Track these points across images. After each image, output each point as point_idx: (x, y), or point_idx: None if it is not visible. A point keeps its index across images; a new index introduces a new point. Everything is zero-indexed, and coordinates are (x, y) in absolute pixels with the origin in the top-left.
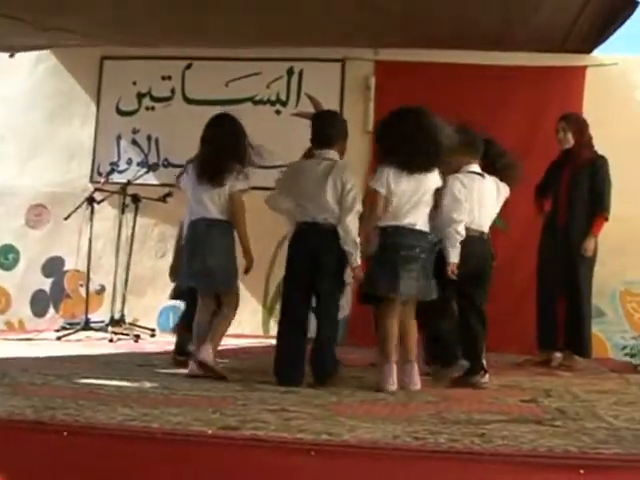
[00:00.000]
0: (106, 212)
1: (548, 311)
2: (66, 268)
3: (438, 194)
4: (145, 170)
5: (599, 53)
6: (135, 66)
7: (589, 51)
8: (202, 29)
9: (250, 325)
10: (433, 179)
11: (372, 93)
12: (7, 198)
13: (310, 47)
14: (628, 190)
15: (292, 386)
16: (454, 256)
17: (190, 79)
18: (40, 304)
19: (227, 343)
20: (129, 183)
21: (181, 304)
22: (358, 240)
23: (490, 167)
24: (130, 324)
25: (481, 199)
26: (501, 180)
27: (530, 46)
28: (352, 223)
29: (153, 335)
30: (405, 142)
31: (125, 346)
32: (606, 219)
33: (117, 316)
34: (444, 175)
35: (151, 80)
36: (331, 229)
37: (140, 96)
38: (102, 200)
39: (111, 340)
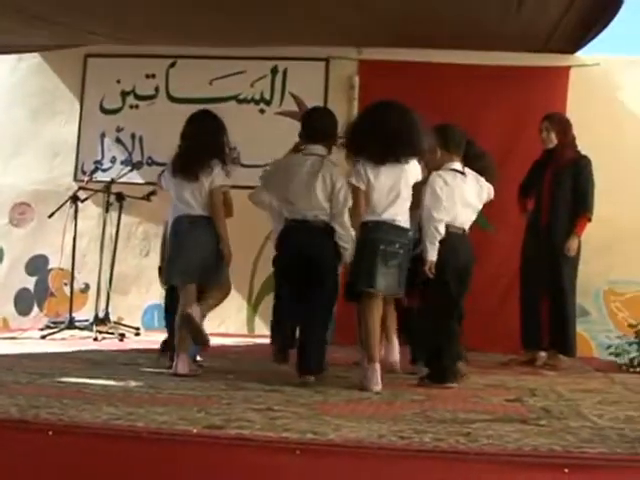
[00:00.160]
0: (90, 210)
1: (532, 311)
2: (50, 266)
3: (419, 191)
4: (129, 168)
5: (582, 54)
6: (119, 64)
7: (573, 51)
8: (187, 27)
9: (234, 324)
10: (411, 171)
11: (356, 92)
12: None
13: (294, 46)
14: (612, 190)
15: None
16: (432, 254)
17: (174, 77)
18: (24, 303)
19: (211, 342)
20: (113, 181)
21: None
22: (353, 235)
23: (469, 167)
24: (115, 323)
25: (463, 197)
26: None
27: (514, 46)
28: (347, 219)
29: (138, 334)
30: (374, 133)
31: (110, 345)
32: (589, 219)
33: (102, 315)
34: (428, 173)
35: (135, 78)
36: (322, 226)
37: (124, 94)
38: (86, 198)
39: (96, 339)
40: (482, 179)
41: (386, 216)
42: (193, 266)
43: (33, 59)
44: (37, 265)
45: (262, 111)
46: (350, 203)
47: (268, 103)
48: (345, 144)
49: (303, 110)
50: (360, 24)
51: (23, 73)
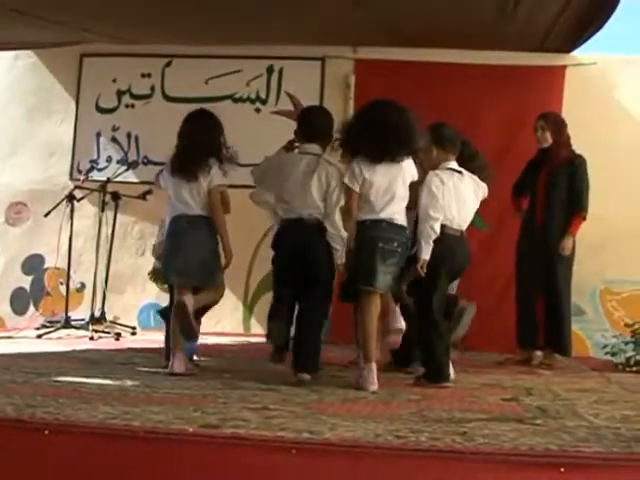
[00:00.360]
0: (86, 210)
1: (527, 310)
2: (46, 266)
3: (416, 191)
4: (125, 168)
5: (578, 53)
6: (115, 63)
7: (569, 51)
8: (182, 26)
9: (230, 323)
10: (407, 170)
11: (352, 91)
12: None
13: (290, 45)
14: (608, 189)
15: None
16: (426, 253)
17: (170, 76)
18: (20, 302)
19: (208, 341)
20: (109, 181)
21: (162, 302)
22: (345, 235)
23: (464, 168)
24: (111, 322)
25: (459, 197)
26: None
27: (510, 45)
28: (339, 219)
29: (134, 333)
30: (371, 132)
31: (106, 344)
32: (584, 218)
33: (97, 314)
34: (424, 172)
35: (131, 77)
36: (317, 224)
37: (120, 93)
38: (82, 198)
39: (92, 338)
40: (478, 179)
41: (384, 215)
42: (191, 266)
43: (29, 58)
44: (33, 264)
45: (258, 110)
46: (342, 203)
47: (264, 102)
48: (341, 143)
49: (299, 109)
50: (356, 23)
51: (19, 72)
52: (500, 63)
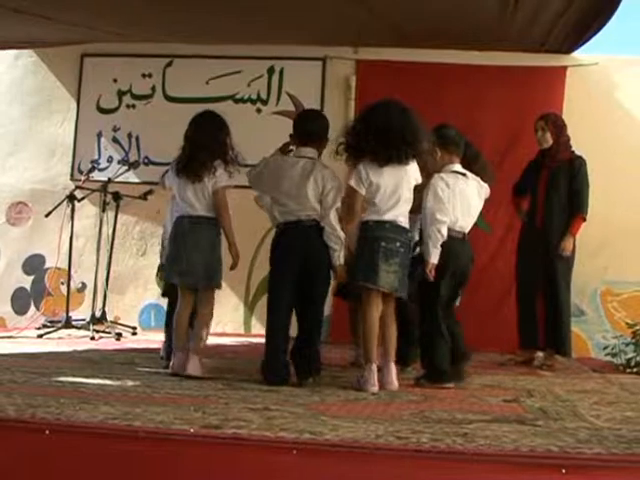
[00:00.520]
0: (87, 210)
1: (528, 310)
2: (47, 266)
3: (420, 194)
4: (126, 168)
5: (579, 53)
6: (115, 63)
7: (570, 51)
8: (184, 25)
9: (232, 323)
10: (412, 173)
11: (353, 92)
12: None
13: (291, 45)
14: (609, 190)
15: (279, 385)
16: (435, 257)
17: (171, 77)
18: (21, 302)
19: (209, 342)
20: (110, 181)
21: (163, 303)
22: (342, 236)
23: (467, 169)
24: (112, 322)
25: (464, 200)
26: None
27: (511, 46)
28: (335, 219)
29: (135, 333)
30: (378, 135)
31: (107, 344)
32: (584, 219)
33: (98, 314)
34: (427, 174)
35: (132, 77)
36: (314, 226)
37: (121, 93)
38: (83, 198)
39: (93, 338)
40: (481, 181)
41: (388, 216)
42: (193, 267)
43: (30, 58)
44: (34, 264)
45: (259, 111)
46: (338, 204)
47: (265, 103)
48: (345, 147)
49: (300, 110)
50: (357, 24)
51: (20, 72)
52: (501, 64)
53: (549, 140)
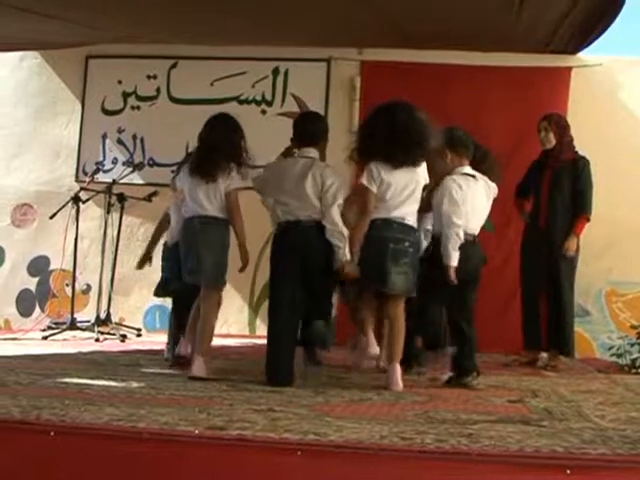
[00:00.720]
0: (92, 211)
1: (532, 311)
2: (52, 267)
3: (430, 195)
4: (130, 169)
5: (584, 54)
6: (120, 65)
7: (574, 52)
8: (189, 26)
9: (237, 325)
10: (422, 173)
11: (357, 93)
12: None
13: (296, 47)
14: (614, 190)
15: (282, 386)
16: (454, 259)
17: (175, 78)
18: (26, 304)
19: (214, 343)
20: (114, 182)
21: (167, 304)
22: (345, 232)
23: (477, 169)
24: (116, 324)
25: (474, 202)
26: (489, 179)
27: (516, 47)
28: (336, 216)
29: (139, 335)
30: (393, 138)
31: (111, 346)
32: (588, 219)
33: (103, 316)
34: (437, 175)
35: (136, 79)
36: (315, 225)
37: (125, 95)
38: (88, 199)
39: (97, 340)
40: (489, 180)
41: (396, 214)
42: (203, 265)
43: (34, 60)
44: (39, 266)
45: (264, 112)
46: (340, 201)
47: (269, 104)
48: (358, 152)
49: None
50: (362, 24)
51: (25, 74)
52: (506, 65)
53: (552, 141)
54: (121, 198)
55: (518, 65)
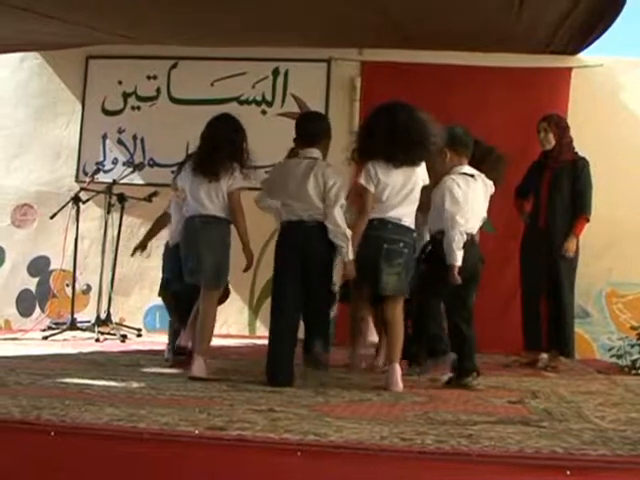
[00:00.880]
0: (92, 212)
1: (532, 312)
2: (52, 267)
3: (428, 194)
4: (131, 170)
5: (584, 55)
6: (120, 65)
7: (575, 52)
8: (189, 27)
9: (236, 325)
10: (421, 174)
11: (358, 93)
12: None
13: (296, 47)
14: (614, 191)
15: (282, 386)
16: (459, 259)
17: (175, 79)
18: (26, 304)
19: (214, 343)
20: (115, 183)
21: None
22: (349, 233)
23: (477, 166)
24: (116, 324)
25: (473, 202)
26: (489, 177)
27: (516, 48)
28: (339, 216)
29: (140, 335)
30: (394, 139)
31: (112, 346)
32: (587, 220)
33: (103, 316)
34: (436, 174)
35: (137, 79)
36: (317, 225)
37: (126, 95)
38: (88, 200)
39: (97, 340)
40: (486, 179)
41: (393, 214)
42: (202, 265)
43: (35, 60)
44: (39, 266)
45: (264, 112)
46: (342, 201)
47: (270, 104)
48: (358, 152)
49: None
50: (362, 25)
51: (25, 74)
52: (506, 65)
53: (552, 141)
54: (121, 198)
55: (518, 66)
